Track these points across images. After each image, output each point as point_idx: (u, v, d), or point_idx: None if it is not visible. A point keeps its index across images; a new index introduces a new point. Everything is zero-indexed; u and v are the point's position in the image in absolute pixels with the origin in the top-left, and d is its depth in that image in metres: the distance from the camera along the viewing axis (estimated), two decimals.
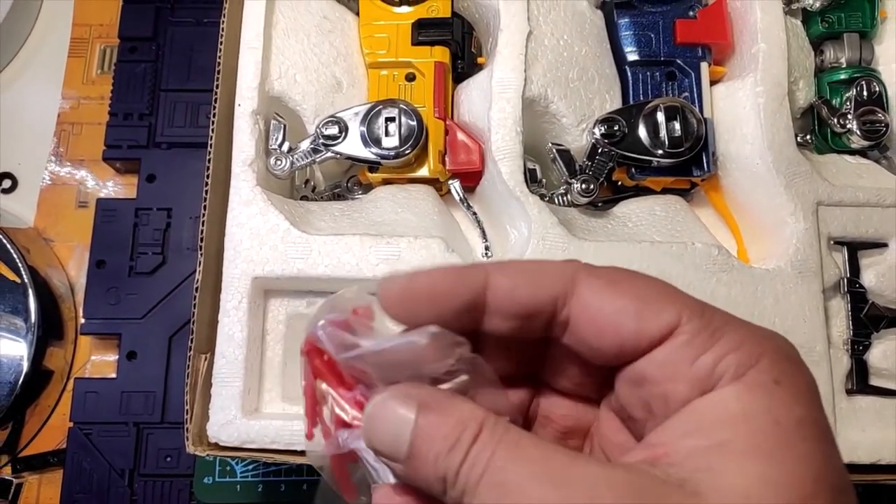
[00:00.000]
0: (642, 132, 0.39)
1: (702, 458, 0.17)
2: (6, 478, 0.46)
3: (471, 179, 0.41)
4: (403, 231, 0.37)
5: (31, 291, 0.45)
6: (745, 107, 0.40)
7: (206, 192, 0.37)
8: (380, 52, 0.41)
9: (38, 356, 0.45)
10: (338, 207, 0.40)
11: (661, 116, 0.38)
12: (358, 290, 0.21)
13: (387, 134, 0.38)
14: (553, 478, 0.17)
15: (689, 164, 0.39)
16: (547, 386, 0.23)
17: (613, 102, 0.41)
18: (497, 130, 0.38)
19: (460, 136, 0.40)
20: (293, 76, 0.40)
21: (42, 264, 0.48)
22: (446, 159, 0.40)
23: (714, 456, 0.17)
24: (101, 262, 0.48)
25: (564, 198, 0.40)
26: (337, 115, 0.39)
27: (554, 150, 0.40)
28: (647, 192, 0.42)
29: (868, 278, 0.38)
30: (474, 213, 0.40)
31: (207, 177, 0.37)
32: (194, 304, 0.35)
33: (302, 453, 0.34)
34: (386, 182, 0.41)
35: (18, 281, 0.46)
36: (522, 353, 0.22)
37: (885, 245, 0.39)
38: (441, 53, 0.41)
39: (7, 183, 0.52)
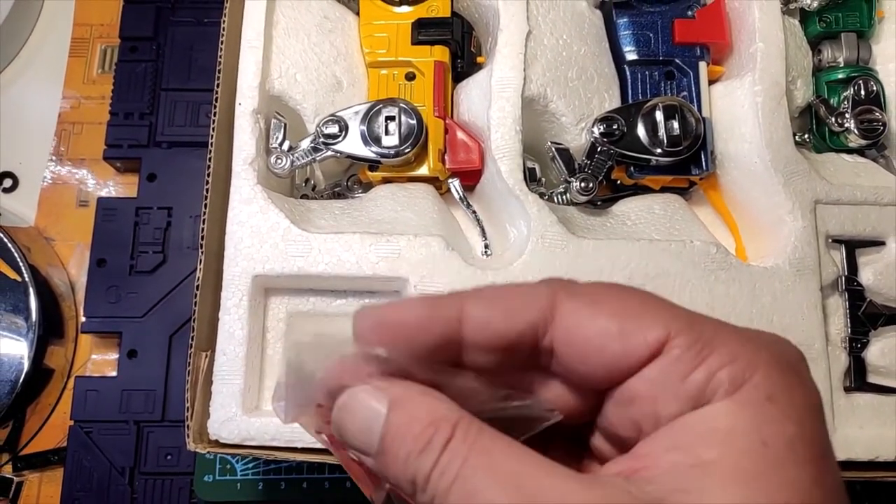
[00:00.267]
0: (641, 131, 0.39)
1: (681, 477, 0.16)
2: (7, 476, 0.46)
3: (470, 178, 0.41)
4: (403, 229, 0.37)
5: (31, 290, 0.46)
6: (744, 106, 0.40)
7: (207, 190, 0.37)
8: (380, 51, 0.41)
9: (38, 355, 0.45)
10: (338, 206, 0.40)
11: (659, 115, 0.39)
12: (316, 344, 0.20)
13: (387, 133, 0.38)
14: (523, 492, 0.16)
15: (688, 162, 0.39)
16: None
17: (612, 101, 0.41)
18: (496, 129, 0.38)
19: (460, 134, 0.40)
20: (293, 75, 0.41)
21: (43, 263, 0.48)
22: (446, 158, 0.40)
23: (695, 476, 0.16)
24: (102, 261, 0.48)
25: (563, 196, 0.40)
26: (337, 114, 0.39)
27: (553, 149, 0.40)
28: (646, 190, 0.42)
29: (866, 276, 0.39)
30: (474, 212, 0.40)
31: (208, 175, 0.37)
32: (195, 303, 0.36)
33: (302, 451, 0.34)
34: (386, 181, 0.41)
35: (19, 280, 0.46)
36: (512, 383, 0.21)
37: (882, 243, 0.39)
38: (441, 53, 0.41)
39: (8, 182, 0.52)
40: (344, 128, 0.39)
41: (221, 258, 0.37)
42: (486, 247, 0.40)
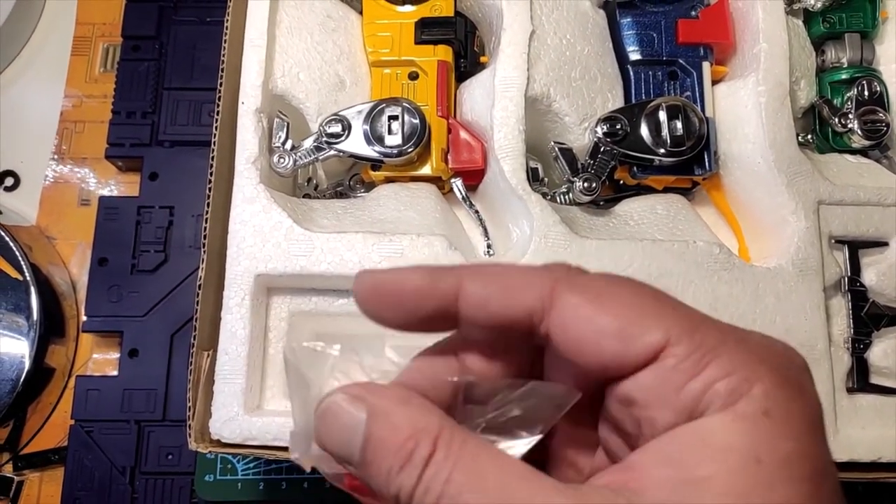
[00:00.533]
0: (644, 131, 0.39)
1: (672, 493, 0.16)
2: (7, 475, 0.46)
3: (473, 178, 0.41)
4: (406, 229, 0.37)
5: (32, 289, 0.45)
6: (747, 106, 0.40)
7: (210, 189, 0.37)
8: (383, 50, 0.41)
9: (39, 354, 0.45)
10: (340, 205, 0.40)
11: (663, 115, 0.39)
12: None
13: (390, 132, 0.38)
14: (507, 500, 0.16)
15: (691, 163, 0.39)
16: None
17: (616, 101, 0.41)
18: (500, 129, 0.38)
19: (463, 134, 0.40)
20: (296, 74, 0.41)
21: (44, 262, 0.48)
22: (449, 158, 0.40)
23: (686, 492, 0.16)
24: (104, 260, 0.48)
25: (566, 196, 0.40)
26: (340, 113, 0.39)
27: (556, 149, 0.40)
28: (649, 190, 0.42)
29: (869, 277, 0.39)
30: (476, 212, 0.40)
31: (210, 174, 0.37)
32: (197, 302, 0.35)
33: None
34: (389, 180, 0.41)
35: (20, 279, 0.46)
36: (510, 360, 0.21)
37: (885, 244, 0.39)
38: (444, 52, 0.41)
39: (10, 181, 0.52)
40: (347, 127, 0.39)
41: (224, 257, 0.37)
42: (489, 246, 0.39)
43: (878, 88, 0.42)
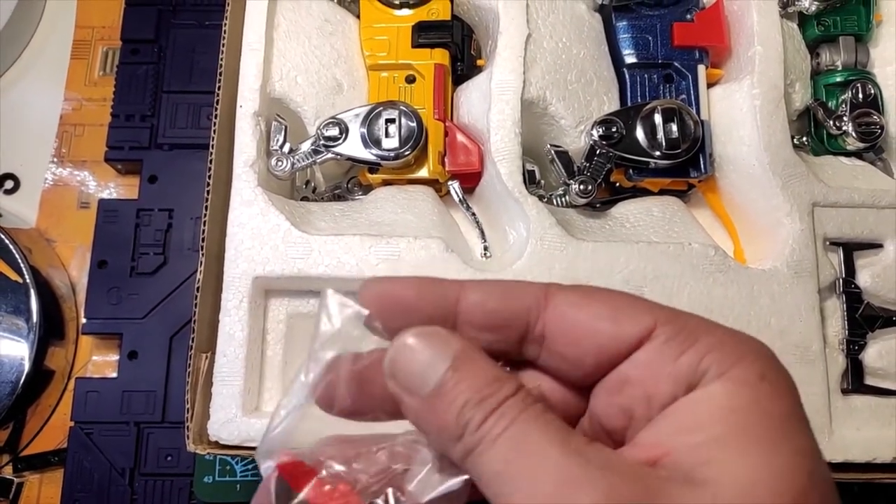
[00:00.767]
0: (640, 134, 0.39)
1: (702, 452, 0.17)
2: (7, 477, 0.46)
3: (470, 180, 0.41)
4: (403, 231, 0.38)
5: (32, 291, 0.46)
6: (742, 109, 0.40)
7: (208, 192, 0.37)
8: (380, 54, 0.41)
9: (39, 356, 0.45)
10: (338, 208, 0.41)
11: (658, 118, 0.39)
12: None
13: (387, 135, 0.39)
14: (574, 449, 0.17)
15: (687, 165, 0.40)
16: None
17: (611, 104, 0.41)
18: (496, 132, 0.38)
19: (460, 137, 0.41)
20: (294, 78, 0.41)
21: (44, 265, 0.48)
22: (446, 160, 0.40)
23: (713, 449, 0.17)
24: (103, 263, 0.48)
25: (563, 199, 0.41)
26: (337, 116, 0.39)
27: (552, 152, 0.40)
28: (645, 193, 0.42)
29: (863, 279, 0.39)
30: (473, 214, 0.41)
31: (209, 177, 0.37)
32: (195, 304, 0.36)
33: None
34: (386, 183, 0.41)
35: (20, 281, 0.46)
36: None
37: (880, 246, 0.39)
38: (441, 56, 0.41)
39: (9, 184, 0.52)
40: (344, 130, 0.39)
41: (222, 260, 0.37)
42: (486, 249, 0.40)
43: (873, 91, 0.42)
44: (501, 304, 0.20)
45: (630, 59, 0.42)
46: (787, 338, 0.37)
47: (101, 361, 0.48)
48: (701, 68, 0.41)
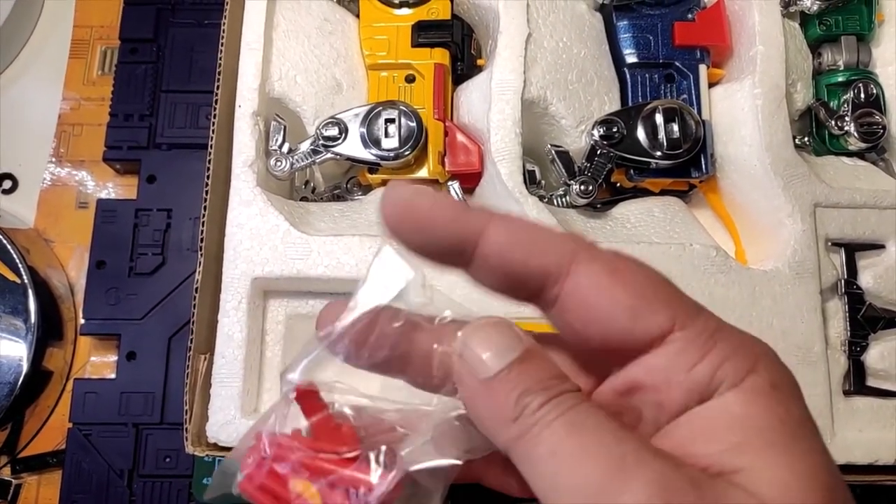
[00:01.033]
0: (641, 134, 0.39)
1: (727, 460, 0.17)
2: (5, 478, 0.46)
3: (470, 181, 0.41)
4: None
5: (30, 292, 0.45)
6: (744, 109, 0.40)
7: (207, 192, 0.37)
8: (380, 53, 0.41)
9: (37, 357, 0.45)
10: (337, 208, 0.40)
11: (659, 118, 0.39)
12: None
13: (386, 135, 0.38)
14: (629, 439, 0.17)
15: (688, 165, 0.40)
16: None
17: (612, 104, 0.41)
18: (496, 132, 0.38)
19: (460, 137, 0.40)
20: (293, 77, 0.41)
21: (42, 265, 0.48)
22: (446, 160, 0.40)
23: (737, 457, 0.17)
24: (101, 263, 0.48)
25: (563, 199, 0.40)
26: (337, 116, 0.39)
27: (553, 152, 0.40)
28: (646, 193, 0.42)
29: (865, 279, 0.39)
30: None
31: (208, 177, 0.37)
32: (194, 305, 0.35)
33: None
34: (385, 183, 0.41)
35: (18, 281, 0.46)
36: None
37: (882, 246, 0.39)
38: (441, 55, 0.41)
39: (7, 184, 0.52)
40: (344, 130, 0.39)
41: (221, 260, 0.37)
42: None
43: (875, 91, 0.42)
44: (522, 260, 0.19)
45: (631, 58, 0.42)
46: (788, 339, 0.37)
47: (99, 362, 0.48)
48: (702, 68, 0.41)
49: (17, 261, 0.46)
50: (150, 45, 0.51)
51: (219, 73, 0.39)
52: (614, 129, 0.39)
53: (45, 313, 0.46)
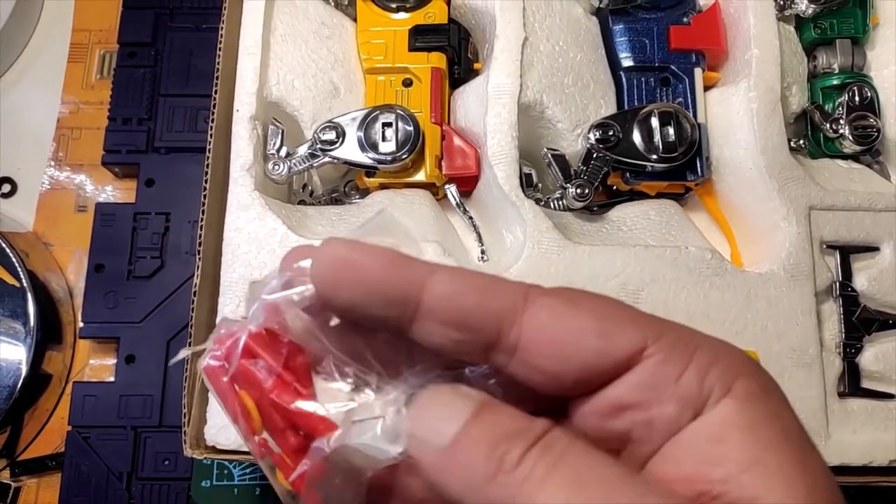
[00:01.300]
0: (637, 137, 0.39)
1: (744, 488, 0.16)
2: (4, 481, 0.46)
3: (467, 184, 0.41)
4: None
5: (29, 295, 0.46)
6: (739, 112, 0.40)
7: (205, 196, 0.37)
8: (377, 57, 0.42)
9: (36, 360, 0.45)
10: (335, 212, 0.41)
11: (655, 122, 0.39)
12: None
13: (384, 139, 0.39)
14: (642, 483, 0.16)
15: (684, 168, 0.40)
16: None
17: (608, 108, 0.41)
18: (493, 135, 0.38)
19: (457, 141, 0.41)
20: (291, 82, 0.41)
21: (41, 268, 0.48)
22: (443, 164, 0.40)
23: (752, 482, 0.16)
24: (100, 266, 0.48)
25: (560, 202, 0.41)
26: (334, 120, 0.39)
27: (549, 155, 0.40)
28: (642, 196, 0.42)
29: (860, 282, 0.39)
30: (470, 218, 0.41)
31: (206, 181, 0.37)
32: (192, 308, 0.36)
33: None
34: (383, 187, 0.41)
35: (17, 285, 0.46)
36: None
37: (876, 249, 0.39)
38: (438, 59, 0.41)
39: (6, 187, 0.52)
40: (341, 134, 0.39)
41: (219, 264, 0.37)
42: (483, 252, 0.40)
43: (869, 94, 0.42)
44: (474, 304, 0.17)
45: (627, 62, 0.42)
46: (783, 341, 0.37)
47: (98, 365, 0.48)
48: (698, 71, 0.41)
49: (17, 264, 0.46)
50: (149, 49, 0.52)
51: (217, 78, 0.39)
52: (610, 133, 0.39)
53: (45, 317, 0.46)
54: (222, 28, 0.40)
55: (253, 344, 0.19)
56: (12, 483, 0.46)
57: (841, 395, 0.38)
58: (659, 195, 0.42)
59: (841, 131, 0.41)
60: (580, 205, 0.40)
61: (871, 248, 0.39)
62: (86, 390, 0.46)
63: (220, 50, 0.39)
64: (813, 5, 0.42)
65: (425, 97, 0.41)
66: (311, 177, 0.43)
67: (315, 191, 0.43)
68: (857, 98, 0.42)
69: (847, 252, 0.39)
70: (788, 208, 0.38)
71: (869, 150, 0.42)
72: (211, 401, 0.35)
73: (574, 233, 0.39)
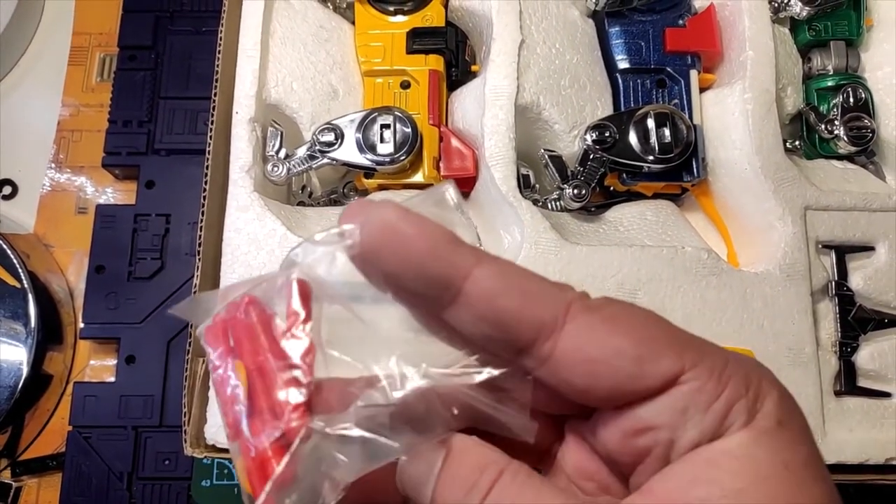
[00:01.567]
0: (633, 138, 0.39)
1: None
2: (5, 481, 0.46)
3: (465, 185, 0.42)
4: None
5: (30, 296, 0.46)
6: (734, 113, 0.40)
7: (204, 197, 0.37)
8: (375, 60, 0.42)
9: (37, 361, 0.45)
10: (334, 213, 0.41)
11: (651, 123, 0.39)
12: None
13: (382, 140, 0.39)
14: None
15: (680, 169, 0.40)
16: None
17: (605, 109, 0.42)
18: (490, 137, 0.39)
19: (454, 142, 0.41)
20: (290, 84, 0.41)
21: (42, 270, 0.48)
22: (441, 165, 0.41)
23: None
24: (101, 268, 0.48)
25: (557, 203, 0.41)
26: (333, 122, 0.40)
27: (546, 156, 0.41)
28: (639, 196, 0.42)
29: (856, 281, 0.39)
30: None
31: (205, 183, 0.38)
32: None
33: None
34: (381, 188, 0.41)
35: (18, 286, 0.46)
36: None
37: (871, 248, 0.40)
38: (435, 61, 0.42)
39: (7, 189, 0.52)
40: (340, 136, 0.39)
41: (218, 265, 0.37)
42: None
43: (864, 95, 0.42)
44: (514, 308, 0.17)
45: (623, 64, 0.42)
46: (780, 340, 0.37)
47: (98, 366, 0.49)
48: (693, 73, 0.42)
49: (17, 266, 0.46)
50: (149, 52, 0.52)
51: (216, 80, 0.39)
52: (607, 134, 0.39)
53: (45, 317, 0.46)
54: (222, 31, 0.40)
55: (296, 288, 0.17)
56: (13, 483, 0.46)
57: (837, 393, 0.38)
58: (656, 196, 0.42)
59: (836, 132, 0.42)
60: (577, 205, 0.40)
61: (867, 248, 0.39)
62: (86, 390, 0.46)
63: (219, 53, 0.40)
64: (807, 7, 0.42)
65: (423, 99, 0.41)
66: (310, 178, 0.43)
67: (314, 192, 0.44)
68: (851, 99, 0.42)
69: (843, 252, 0.39)
70: (784, 208, 0.39)
71: (864, 150, 0.42)
72: (211, 400, 0.36)
73: (571, 233, 0.39)
